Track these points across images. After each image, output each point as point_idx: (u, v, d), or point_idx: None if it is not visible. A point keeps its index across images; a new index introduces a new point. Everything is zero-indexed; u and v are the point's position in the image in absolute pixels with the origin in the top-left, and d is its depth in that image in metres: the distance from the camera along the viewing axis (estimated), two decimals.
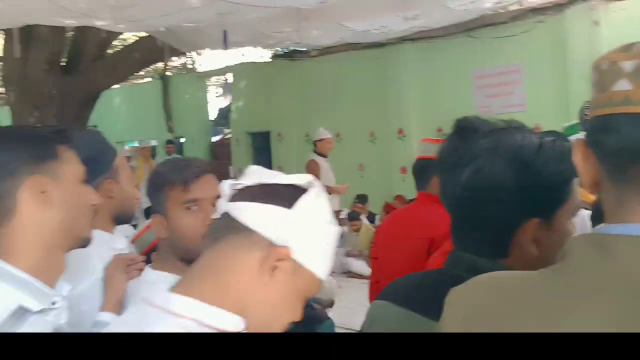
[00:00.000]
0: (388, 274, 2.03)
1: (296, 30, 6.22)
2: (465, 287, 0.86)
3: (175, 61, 13.24)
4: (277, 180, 0.88)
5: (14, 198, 1.02)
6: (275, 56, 11.05)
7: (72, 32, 8.80)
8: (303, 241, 0.85)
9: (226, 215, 0.87)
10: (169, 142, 10.36)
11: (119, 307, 1.33)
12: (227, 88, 7.54)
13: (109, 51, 9.73)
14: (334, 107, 9.05)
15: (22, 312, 0.99)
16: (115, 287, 1.37)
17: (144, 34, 8.66)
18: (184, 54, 10.46)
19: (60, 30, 8.17)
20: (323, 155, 6.28)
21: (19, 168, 1.02)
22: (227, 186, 0.90)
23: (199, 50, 9.21)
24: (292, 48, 9.53)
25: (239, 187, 0.89)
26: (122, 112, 12.83)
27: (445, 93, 8.02)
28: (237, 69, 10.98)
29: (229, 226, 0.86)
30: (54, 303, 1.05)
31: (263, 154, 10.51)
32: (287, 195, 0.86)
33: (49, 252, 1.05)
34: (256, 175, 0.89)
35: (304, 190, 0.87)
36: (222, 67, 12.10)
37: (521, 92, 7.24)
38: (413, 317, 1.06)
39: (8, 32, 8.55)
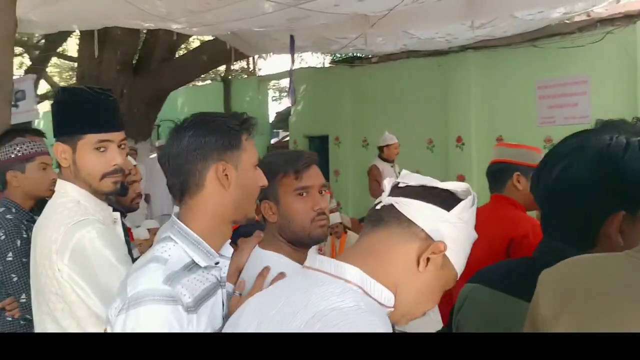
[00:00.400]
0: (463, 273, 2.10)
1: (361, 36, 6.34)
2: (556, 267, 0.97)
3: (236, 64, 13.58)
4: (437, 185, 1.01)
5: (204, 177, 1.25)
6: (334, 62, 11.22)
7: (144, 35, 9.21)
8: (454, 240, 0.99)
9: (389, 207, 1.00)
10: None
11: (235, 278, 1.48)
12: (288, 92, 7.69)
13: (177, 54, 10.12)
14: (393, 114, 9.12)
15: (193, 264, 1.22)
16: (241, 259, 1.52)
17: (209, 37, 8.99)
18: (247, 57, 10.75)
19: (133, 32, 8.57)
20: (388, 161, 6.19)
21: (210, 154, 1.25)
22: (388, 182, 1.05)
23: (262, 54, 9.47)
24: (352, 54, 9.66)
25: (402, 185, 1.02)
26: (184, 113, 13.26)
27: (506, 102, 7.96)
28: (297, 74, 11.18)
29: (392, 216, 0.99)
30: (216, 263, 1.26)
31: (320, 158, 10.61)
32: (446, 199, 0.99)
33: (221, 223, 1.28)
34: (413, 178, 1.03)
35: (460, 197, 1.01)
36: (282, 71, 12.36)
37: (586, 103, 7.12)
38: (504, 298, 1.16)
39: (84, 34, 9.04)
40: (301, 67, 10.79)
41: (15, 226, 2.22)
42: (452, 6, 5.37)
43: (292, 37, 6.57)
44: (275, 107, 13.30)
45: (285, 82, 14.39)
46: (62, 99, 1.61)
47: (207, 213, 1.26)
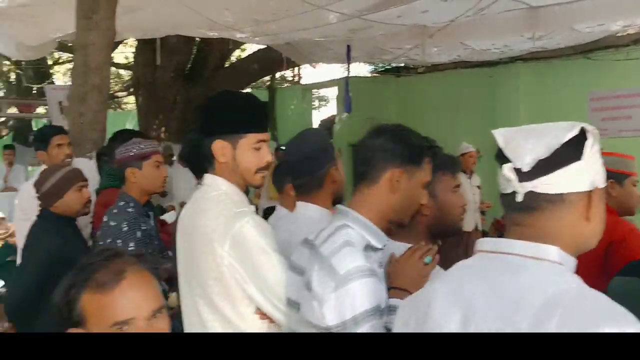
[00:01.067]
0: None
1: (417, 47, 6.46)
2: None
3: (280, 73, 13.80)
4: (556, 145, 0.99)
5: (380, 175, 1.45)
6: (378, 71, 11.34)
7: (198, 43, 9.46)
8: (597, 171, 1.02)
9: (530, 193, 1.00)
10: (277, 149, 10.85)
11: None
12: (344, 100, 7.82)
13: (229, 61, 10.36)
14: (439, 124, 9.15)
15: (369, 247, 1.38)
16: None
17: (262, 46, 9.20)
18: (296, 66, 10.94)
19: (189, 40, 8.83)
20: (464, 172, 6.02)
21: (394, 159, 1.44)
22: (509, 169, 1.02)
23: (312, 63, 9.64)
24: (400, 64, 9.77)
25: (526, 169, 1.00)
26: None
27: (557, 114, 7.93)
28: (341, 83, 11.34)
29: (541, 200, 1.00)
30: (384, 245, 1.41)
31: None
32: (573, 150, 0.99)
33: (381, 217, 1.47)
34: (524, 151, 1.01)
35: (581, 137, 1.00)
36: (326, 80, 12.53)
37: None
38: None
39: (140, 42, 9.34)
40: (345, 77, 10.90)
41: (135, 219, 2.39)
42: (512, 18, 5.44)
43: (348, 47, 6.73)
44: (319, 115, 13.50)
45: (328, 91, 14.57)
46: (225, 101, 1.77)
47: (373, 205, 1.46)
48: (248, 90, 15.67)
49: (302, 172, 1.91)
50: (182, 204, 9.10)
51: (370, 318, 1.29)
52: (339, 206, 1.50)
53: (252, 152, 1.70)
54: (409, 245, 1.64)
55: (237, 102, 1.75)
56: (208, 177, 1.74)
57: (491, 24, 5.64)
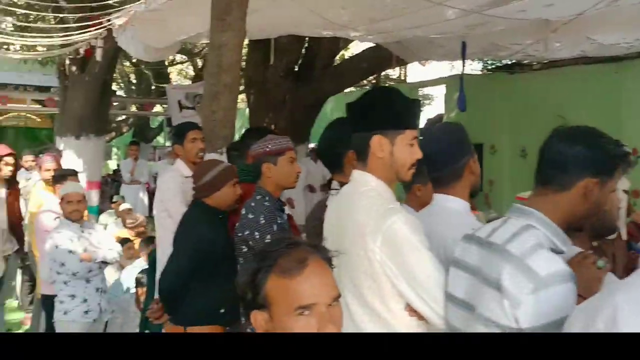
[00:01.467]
0: None
1: (539, 42, 6.17)
2: None
3: (385, 72, 13.74)
4: None
5: (574, 183, 1.41)
6: (489, 69, 10.99)
7: (307, 42, 9.62)
8: None
9: None
10: None
11: None
12: (458, 98, 7.65)
13: (337, 61, 10.47)
14: (556, 123, 8.73)
15: (553, 250, 1.31)
16: None
17: (370, 44, 9.20)
18: (405, 64, 10.85)
19: (299, 40, 9.00)
20: None
21: (588, 167, 1.40)
22: None
23: (422, 61, 9.51)
24: (511, 61, 9.41)
25: None
26: (332, 118, 13.66)
27: None
28: (450, 81, 11.12)
29: None
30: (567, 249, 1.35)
31: None
32: None
33: (567, 224, 1.42)
34: None
35: None
36: (434, 78, 12.33)
37: None
38: None
39: (252, 42, 9.65)
40: (455, 74, 10.68)
41: (271, 212, 2.47)
42: None
43: (464, 44, 6.55)
44: (426, 114, 13.31)
45: (433, 90, 14.35)
46: (384, 97, 1.79)
47: (559, 209, 1.41)
48: (352, 89, 15.76)
49: (442, 164, 1.90)
50: (289, 200, 9.35)
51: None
52: (517, 205, 1.46)
53: (408, 148, 1.71)
54: (576, 248, 1.58)
55: (396, 99, 1.76)
56: (357, 173, 1.76)
57: (623, 16, 5.26)
